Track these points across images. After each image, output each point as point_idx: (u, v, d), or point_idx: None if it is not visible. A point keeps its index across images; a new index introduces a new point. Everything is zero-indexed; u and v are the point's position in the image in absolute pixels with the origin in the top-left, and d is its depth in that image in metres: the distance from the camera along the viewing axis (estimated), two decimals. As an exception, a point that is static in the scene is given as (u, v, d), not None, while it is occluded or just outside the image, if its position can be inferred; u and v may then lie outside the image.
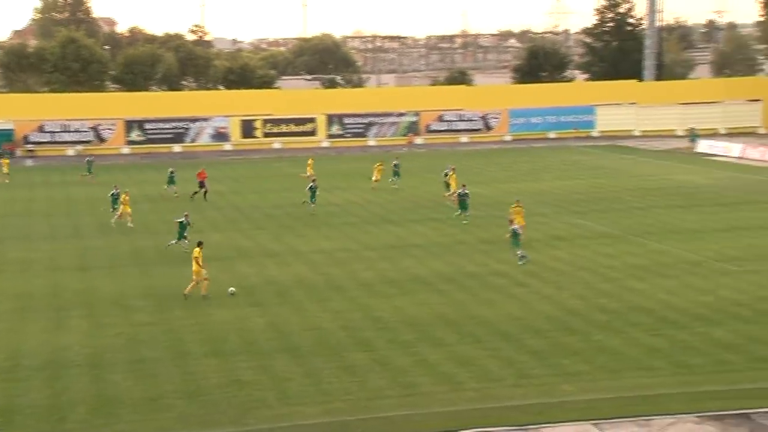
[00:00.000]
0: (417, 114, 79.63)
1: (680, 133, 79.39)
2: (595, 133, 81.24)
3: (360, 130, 79.21)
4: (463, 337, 24.53)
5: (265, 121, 77.56)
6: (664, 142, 75.93)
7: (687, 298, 27.96)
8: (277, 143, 77.42)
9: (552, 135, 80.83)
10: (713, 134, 78.22)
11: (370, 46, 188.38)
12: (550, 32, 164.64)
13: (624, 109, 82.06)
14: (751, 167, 60.24)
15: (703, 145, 69.98)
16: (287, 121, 77.92)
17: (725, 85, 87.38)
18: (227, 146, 76.37)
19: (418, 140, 79.08)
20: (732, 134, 78.50)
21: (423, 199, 49.01)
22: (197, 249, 28.94)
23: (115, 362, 23.04)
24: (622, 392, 20.39)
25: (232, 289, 29.35)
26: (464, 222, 38.16)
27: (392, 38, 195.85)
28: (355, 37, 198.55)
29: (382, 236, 38.79)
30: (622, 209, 44.13)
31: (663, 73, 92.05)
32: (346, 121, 78.93)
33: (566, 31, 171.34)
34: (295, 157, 70.94)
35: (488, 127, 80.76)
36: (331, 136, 78.50)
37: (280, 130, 77.86)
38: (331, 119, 78.47)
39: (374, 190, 51.43)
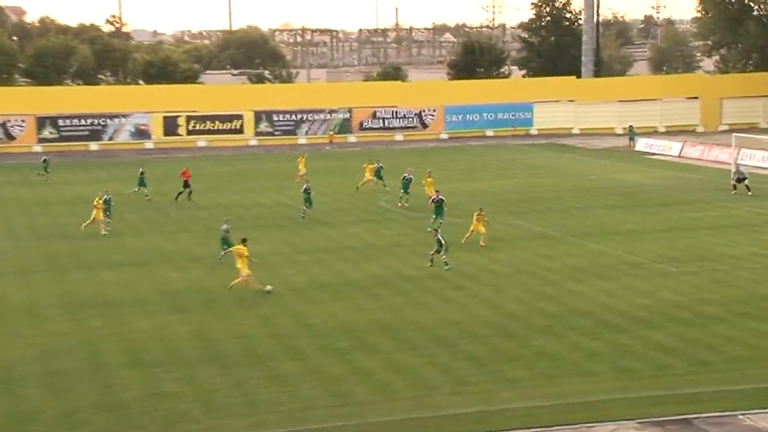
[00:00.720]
0: (349, 111, 79.63)
1: (619, 131, 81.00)
2: (533, 131, 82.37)
3: (290, 128, 78.84)
4: (400, 344, 24.58)
5: (189, 118, 76.62)
6: (603, 140, 77.39)
7: (627, 300, 28.53)
8: (201, 141, 76.56)
9: (489, 133, 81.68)
10: (652, 132, 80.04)
11: (299, 39, 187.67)
12: (486, 27, 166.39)
13: (562, 107, 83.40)
14: (691, 166, 61.79)
15: (642, 144, 71.51)
16: (212, 118, 77.13)
17: (663, 82, 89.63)
18: (148, 144, 75.21)
19: (351, 138, 79.17)
20: (671, 132, 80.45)
21: (358, 200, 49.02)
22: (243, 246, 29.40)
23: (27, 375, 22.45)
24: (563, 399, 20.67)
25: (269, 287, 29.29)
26: (437, 229, 37.83)
27: (322, 32, 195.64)
28: (284, 30, 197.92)
29: (314, 239, 38.65)
30: (561, 209, 44.78)
31: (601, 69, 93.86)
32: (275, 118, 78.50)
33: (503, 26, 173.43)
34: (222, 156, 70.23)
35: (424, 125, 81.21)
36: (259, 134, 77.98)
37: (205, 128, 77.00)
38: (259, 116, 77.93)
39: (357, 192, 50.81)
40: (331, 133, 78.21)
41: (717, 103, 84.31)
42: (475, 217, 36.97)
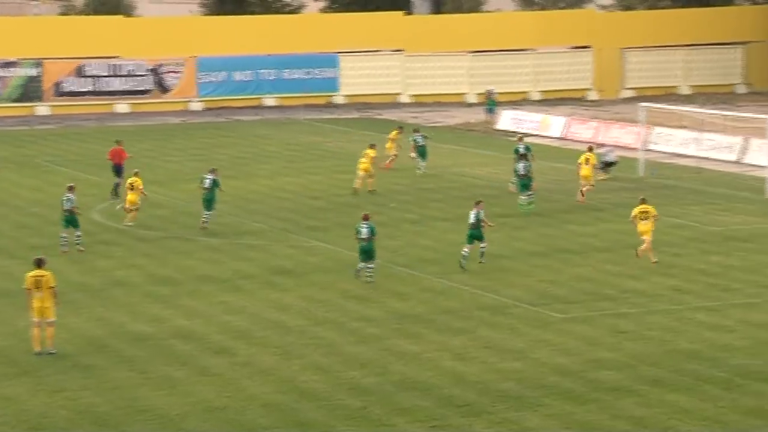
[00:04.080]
0: (38, 63, 77.88)
1: (472, 99, 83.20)
2: (339, 99, 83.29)
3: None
4: (125, 447, 24.36)
5: None
6: (448, 113, 79.18)
7: (482, 365, 29.31)
8: None
9: (270, 101, 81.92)
10: (521, 101, 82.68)
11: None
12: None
13: (385, 61, 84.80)
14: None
15: (507, 119, 73.70)
16: None
17: (537, 23, 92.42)
18: None
19: (42, 109, 77.40)
20: (549, 101, 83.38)
21: (55, 211, 47.94)
22: (43, 271, 30.24)
23: None
24: None
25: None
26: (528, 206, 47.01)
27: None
28: None
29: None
30: (385, 222, 45.34)
31: (443, 3, 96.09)
32: None
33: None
34: None
35: (163, 88, 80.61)
36: None
37: None
38: None
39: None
40: None
41: (617, 57, 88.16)
42: (639, 212, 39.37)
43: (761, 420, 25.56)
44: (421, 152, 56.58)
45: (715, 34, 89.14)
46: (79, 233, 41.28)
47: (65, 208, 41.28)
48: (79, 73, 78.95)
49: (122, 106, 79.25)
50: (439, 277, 37.98)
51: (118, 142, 52.13)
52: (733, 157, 60.38)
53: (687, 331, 32.27)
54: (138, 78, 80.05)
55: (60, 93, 78.48)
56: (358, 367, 29.13)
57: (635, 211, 39.34)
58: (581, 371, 28.86)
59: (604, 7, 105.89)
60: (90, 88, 79.16)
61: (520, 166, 48.50)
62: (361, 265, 36.91)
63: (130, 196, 44.67)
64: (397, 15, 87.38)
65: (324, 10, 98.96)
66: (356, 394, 27.31)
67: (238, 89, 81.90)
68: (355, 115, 79.04)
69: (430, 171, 57.13)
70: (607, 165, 54.37)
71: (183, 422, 25.62)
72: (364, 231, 36.71)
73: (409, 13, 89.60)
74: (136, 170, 46.11)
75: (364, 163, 51.84)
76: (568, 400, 26.86)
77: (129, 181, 45.28)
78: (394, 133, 58.22)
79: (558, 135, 69.29)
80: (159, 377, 28.48)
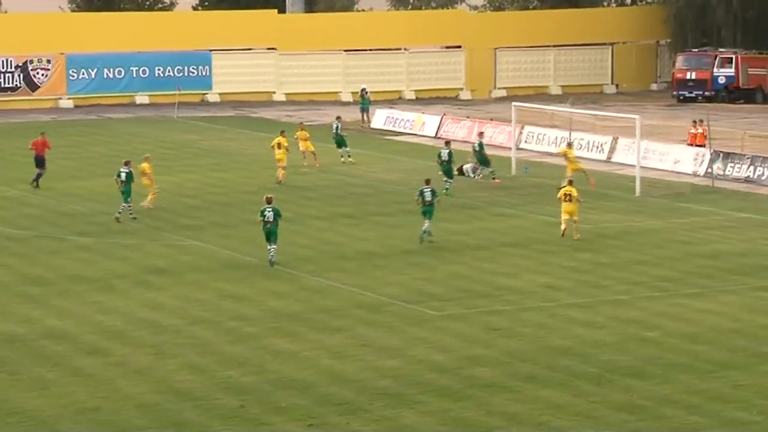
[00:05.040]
0: None
1: (346, 98, 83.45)
2: (212, 97, 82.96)
3: None
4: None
5: None
6: (322, 111, 79.40)
7: (362, 363, 29.48)
8: None
9: (142, 99, 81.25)
10: (396, 100, 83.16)
11: None
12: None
13: (258, 59, 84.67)
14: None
15: (381, 118, 74.12)
16: None
17: (410, 22, 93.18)
18: None
19: None
20: (423, 100, 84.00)
21: None
22: None
23: None
24: None
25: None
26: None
27: None
28: None
29: None
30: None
31: (316, 1, 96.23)
32: None
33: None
34: None
35: (31, 85, 79.46)
36: None
37: None
38: None
39: None
40: None
41: (489, 57, 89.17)
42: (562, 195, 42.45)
43: (631, 415, 26.02)
44: (339, 142, 58.68)
45: (584, 35, 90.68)
46: None
47: None
48: (-58, 69, 77.81)
49: (-11, 104, 78.21)
50: (316, 276, 38.06)
51: (42, 134, 52.96)
52: (602, 156, 61.32)
53: (559, 327, 32.75)
54: (5, 75, 78.88)
55: None
56: (234, 367, 29.09)
57: (560, 193, 42.54)
58: (457, 368, 29.13)
59: (475, 7, 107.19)
60: (-46, 85, 78.13)
61: (444, 152, 51.16)
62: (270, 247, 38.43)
63: (145, 181, 47.08)
64: (271, 13, 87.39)
65: (196, 8, 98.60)
66: (233, 393, 27.26)
67: (109, 86, 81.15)
68: (230, 113, 78.84)
69: (305, 169, 57.21)
70: (460, 173, 54.64)
71: (56, 424, 25.35)
72: (268, 214, 37.94)
73: (282, 12, 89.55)
74: (147, 155, 48.30)
75: (279, 154, 53.21)
76: (444, 397, 27.11)
77: (140, 167, 46.92)
78: (301, 133, 59.00)
79: (432, 134, 69.83)
80: (30, 379, 28.16)
